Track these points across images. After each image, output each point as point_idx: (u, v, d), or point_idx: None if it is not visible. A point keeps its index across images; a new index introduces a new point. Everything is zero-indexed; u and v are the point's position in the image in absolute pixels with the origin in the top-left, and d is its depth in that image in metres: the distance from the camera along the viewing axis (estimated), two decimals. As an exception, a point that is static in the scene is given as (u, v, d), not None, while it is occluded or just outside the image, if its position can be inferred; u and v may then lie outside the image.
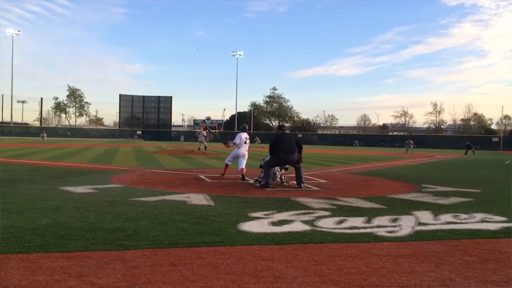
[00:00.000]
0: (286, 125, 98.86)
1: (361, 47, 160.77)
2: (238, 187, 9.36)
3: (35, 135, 69.40)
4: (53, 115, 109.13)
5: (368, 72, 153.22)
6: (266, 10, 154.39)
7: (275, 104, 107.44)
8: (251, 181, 10.43)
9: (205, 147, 26.77)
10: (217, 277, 3.26)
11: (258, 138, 55.32)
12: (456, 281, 3.33)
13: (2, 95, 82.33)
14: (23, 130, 75.79)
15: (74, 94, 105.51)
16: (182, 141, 66.83)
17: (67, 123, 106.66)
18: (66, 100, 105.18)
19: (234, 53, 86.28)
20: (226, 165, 11.59)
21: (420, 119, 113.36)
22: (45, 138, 46.51)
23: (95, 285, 3.02)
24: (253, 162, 13.89)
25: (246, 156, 11.34)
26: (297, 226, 5.20)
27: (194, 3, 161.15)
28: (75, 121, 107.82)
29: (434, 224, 5.59)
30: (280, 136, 10.18)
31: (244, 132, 11.54)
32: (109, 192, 8.00)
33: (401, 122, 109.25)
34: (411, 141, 41.31)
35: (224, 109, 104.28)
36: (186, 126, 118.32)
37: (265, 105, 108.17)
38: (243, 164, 11.03)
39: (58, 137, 69.79)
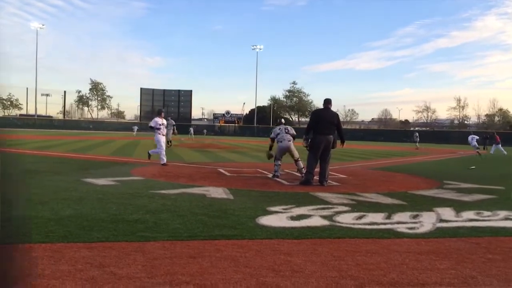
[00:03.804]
0: (306, 119, 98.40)
1: (381, 41, 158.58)
2: (256, 181, 9.38)
3: (58, 128, 70.89)
4: (76, 108, 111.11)
5: (389, 66, 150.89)
6: (285, 3, 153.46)
7: (295, 99, 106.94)
8: (270, 175, 10.43)
9: (169, 141, 24.04)
10: (236, 270, 3.29)
11: (191, 129, 54.61)
12: (478, 279, 3.28)
13: (27, 88, 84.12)
14: (46, 122, 77.32)
15: (96, 88, 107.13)
16: (205, 134, 67.38)
17: (89, 116, 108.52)
18: (89, 93, 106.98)
19: (254, 47, 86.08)
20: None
21: (443, 114, 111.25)
22: (135, 132, 49.04)
23: (116, 275, 3.08)
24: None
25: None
26: (316, 221, 5.19)
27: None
28: (97, 114, 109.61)
29: (456, 221, 5.50)
30: (321, 112, 9.44)
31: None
32: (130, 184, 8.12)
33: (424, 117, 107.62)
34: (417, 133, 40.85)
35: (244, 103, 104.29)
36: (206, 120, 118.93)
37: (285, 99, 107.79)
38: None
39: (81, 129, 71.03)
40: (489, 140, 37.61)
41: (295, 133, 10.67)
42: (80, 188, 7.39)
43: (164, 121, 13.47)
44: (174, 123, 24.79)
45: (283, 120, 11.28)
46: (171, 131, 24.41)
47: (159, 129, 12.95)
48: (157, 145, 12.99)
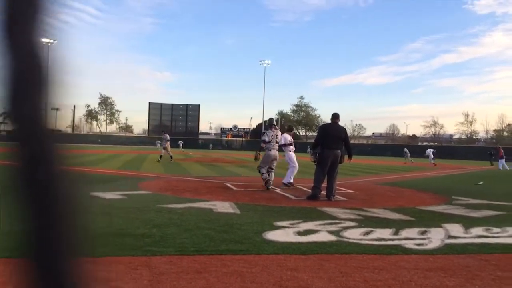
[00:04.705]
0: (312, 134, 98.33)
1: (389, 56, 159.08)
2: (263, 195, 9.35)
3: (67, 142, 71.33)
4: (85, 122, 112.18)
5: (397, 81, 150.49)
6: (292, 19, 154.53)
7: (302, 113, 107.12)
8: (277, 190, 10.40)
9: (161, 156, 23.91)
10: (242, 286, 3.26)
11: (180, 142, 55.08)
12: (488, 297, 3.23)
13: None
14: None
15: (105, 102, 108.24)
16: (210, 148, 67.75)
17: (98, 130, 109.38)
18: (98, 107, 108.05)
19: (262, 62, 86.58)
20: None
21: (451, 129, 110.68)
22: (159, 146, 50.21)
23: (122, 290, 3.07)
24: (276, 171, 13.79)
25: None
26: (323, 236, 5.16)
27: (222, 13, 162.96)
28: (106, 129, 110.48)
29: (465, 237, 5.44)
30: (329, 127, 9.52)
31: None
32: (137, 198, 8.13)
33: (431, 132, 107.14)
34: (406, 149, 40.64)
35: (251, 118, 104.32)
36: (213, 134, 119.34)
37: (292, 114, 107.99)
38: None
39: (89, 143, 71.43)
40: (494, 156, 37.15)
41: (280, 141, 11.07)
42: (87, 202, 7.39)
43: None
44: (169, 138, 24.52)
45: (274, 122, 11.35)
46: (166, 145, 23.96)
47: (289, 145, 11.80)
48: (289, 164, 11.57)
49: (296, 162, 11.62)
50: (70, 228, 0.81)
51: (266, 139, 10.66)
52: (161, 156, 23.83)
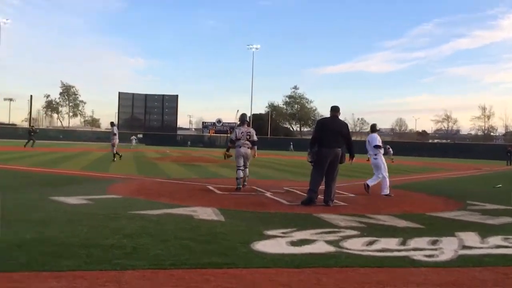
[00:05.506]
0: (308, 129, 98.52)
1: (394, 41, 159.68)
2: (251, 200, 9.36)
3: (23, 138, 70.70)
4: (44, 115, 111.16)
5: (402, 70, 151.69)
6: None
7: (296, 106, 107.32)
8: (268, 193, 10.42)
9: (118, 154, 23.37)
10: (227, 304, 3.26)
11: (135, 137, 54.91)
12: (507, 316, 3.27)
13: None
14: (9, 131, 76.77)
15: (68, 92, 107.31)
16: (188, 145, 67.58)
17: (59, 124, 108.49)
18: (59, 98, 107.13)
19: (250, 46, 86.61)
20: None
21: (466, 124, 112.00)
22: (134, 143, 50.02)
23: (88, 310, 3.05)
24: (266, 172, 13.81)
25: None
26: (320, 247, 5.18)
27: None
28: (69, 122, 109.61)
29: (481, 247, 5.50)
30: (327, 121, 9.57)
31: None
32: (105, 203, 8.09)
33: (444, 128, 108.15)
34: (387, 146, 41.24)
35: (238, 111, 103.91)
36: (193, 129, 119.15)
37: (284, 106, 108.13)
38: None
39: (49, 139, 70.83)
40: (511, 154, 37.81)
41: (256, 139, 11.55)
42: (46, 207, 7.34)
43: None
44: (116, 131, 23.47)
45: (247, 119, 11.84)
46: (115, 141, 22.76)
47: (380, 147, 11.71)
48: (375, 171, 11.70)
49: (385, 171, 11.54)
50: None
51: (233, 138, 11.26)
52: (119, 155, 23.09)
